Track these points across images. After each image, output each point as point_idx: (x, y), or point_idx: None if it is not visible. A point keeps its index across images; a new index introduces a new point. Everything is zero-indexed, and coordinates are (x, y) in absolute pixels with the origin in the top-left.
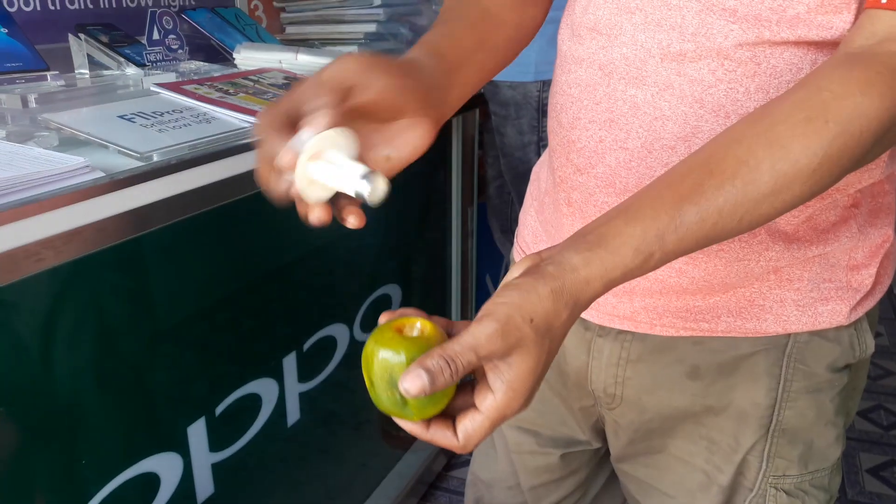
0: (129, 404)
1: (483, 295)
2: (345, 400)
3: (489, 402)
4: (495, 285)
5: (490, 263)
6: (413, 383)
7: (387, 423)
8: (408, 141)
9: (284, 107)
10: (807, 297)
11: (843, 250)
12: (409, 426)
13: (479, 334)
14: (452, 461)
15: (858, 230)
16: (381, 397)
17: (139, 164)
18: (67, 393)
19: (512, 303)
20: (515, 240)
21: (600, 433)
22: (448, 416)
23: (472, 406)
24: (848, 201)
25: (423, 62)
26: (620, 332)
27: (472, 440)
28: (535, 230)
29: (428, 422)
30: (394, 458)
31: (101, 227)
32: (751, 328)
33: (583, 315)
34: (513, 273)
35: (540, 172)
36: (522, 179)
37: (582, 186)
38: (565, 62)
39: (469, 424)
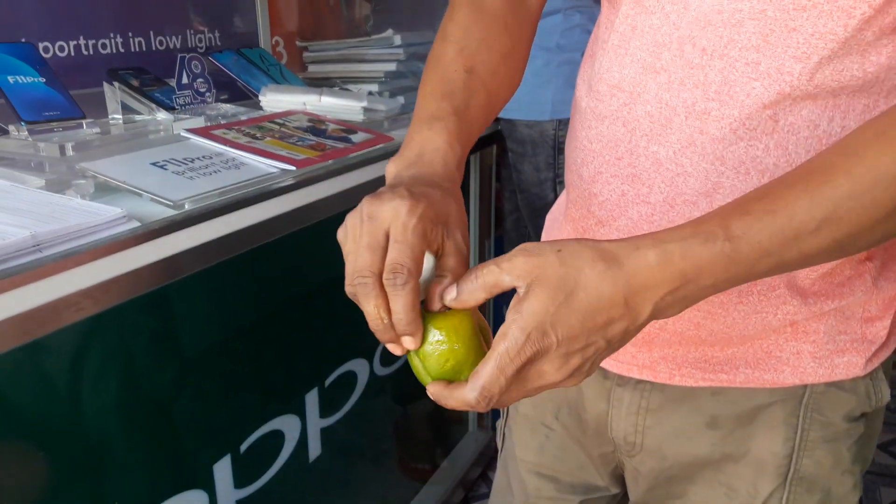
0: (157, 444)
1: (500, 322)
2: (365, 433)
3: (498, 342)
4: None
5: (506, 296)
6: (448, 291)
7: (405, 455)
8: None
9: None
10: (823, 349)
11: (857, 303)
12: (432, 389)
13: (501, 259)
14: (470, 494)
15: (872, 283)
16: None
17: (172, 211)
18: (98, 434)
19: (542, 241)
20: None
21: (619, 479)
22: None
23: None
24: (862, 255)
25: (448, 157)
26: (640, 381)
27: (486, 391)
28: None
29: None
30: (412, 489)
31: (137, 276)
32: (768, 379)
33: (602, 364)
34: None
35: (555, 222)
36: (539, 214)
37: (604, 237)
38: (585, 118)
39: (480, 369)
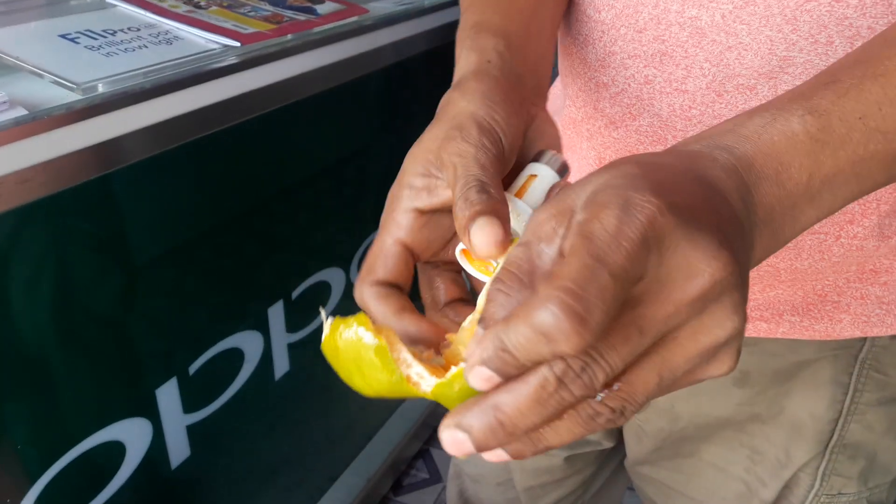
0: (91, 367)
1: None
2: None
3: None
4: None
5: None
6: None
7: None
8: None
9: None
10: (894, 292)
11: None
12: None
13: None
14: None
15: None
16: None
17: (77, 96)
18: (17, 354)
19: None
20: None
21: (613, 433)
22: None
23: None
24: None
25: (509, 65)
26: None
27: (578, 299)
28: None
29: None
30: (395, 401)
31: (25, 178)
32: (820, 330)
33: None
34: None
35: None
36: None
37: (618, 143)
38: None
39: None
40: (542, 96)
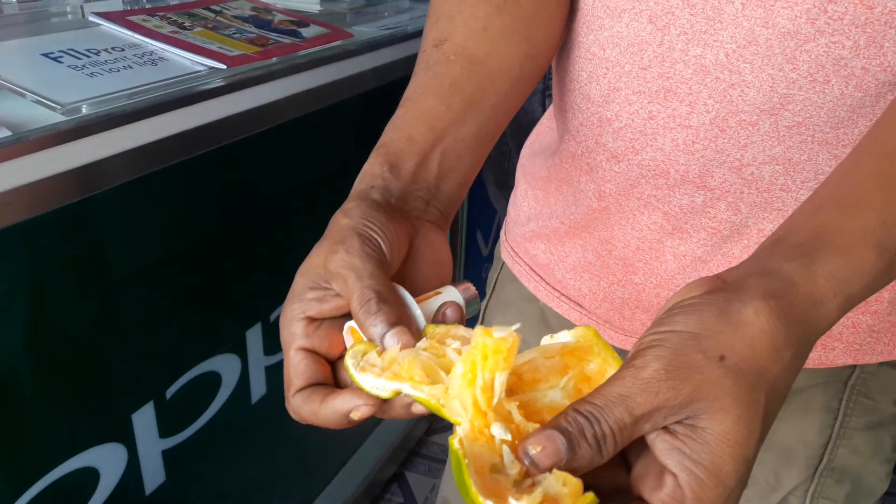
0: (67, 391)
1: (474, 251)
2: None
3: (668, 491)
4: (486, 242)
5: (482, 219)
6: (544, 445)
7: None
8: (429, 264)
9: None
10: (884, 321)
11: None
12: None
13: (629, 379)
14: (433, 426)
15: None
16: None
17: (61, 118)
18: None
19: (686, 330)
20: (504, 236)
21: None
22: None
23: (636, 500)
24: None
25: (393, 189)
26: None
27: None
28: (536, 218)
29: None
30: (373, 422)
31: (7, 201)
32: (814, 358)
33: (607, 336)
34: (681, 295)
35: (538, 158)
36: (525, 132)
37: (619, 176)
38: (592, 14)
39: None
40: (440, 205)
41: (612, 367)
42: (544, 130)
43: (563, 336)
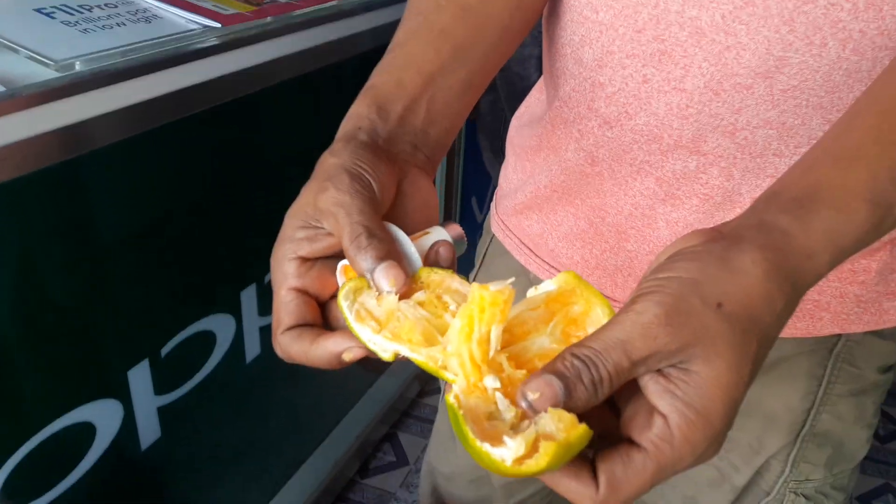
0: (62, 347)
1: (469, 217)
2: None
3: (657, 432)
4: (481, 208)
5: (477, 185)
6: (542, 390)
7: None
8: (417, 207)
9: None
10: (872, 291)
11: None
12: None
13: (629, 324)
14: (426, 387)
15: None
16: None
17: (55, 73)
18: None
19: (686, 276)
20: (494, 209)
21: None
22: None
23: (624, 441)
24: None
25: (380, 130)
26: None
27: (622, 491)
28: (522, 187)
29: None
30: (367, 382)
31: (1, 158)
32: (802, 328)
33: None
34: (681, 243)
35: (528, 128)
36: (519, 97)
37: (612, 142)
38: None
39: (620, 469)
40: (427, 150)
41: (597, 305)
42: (533, 102)
43: (547, 286)
